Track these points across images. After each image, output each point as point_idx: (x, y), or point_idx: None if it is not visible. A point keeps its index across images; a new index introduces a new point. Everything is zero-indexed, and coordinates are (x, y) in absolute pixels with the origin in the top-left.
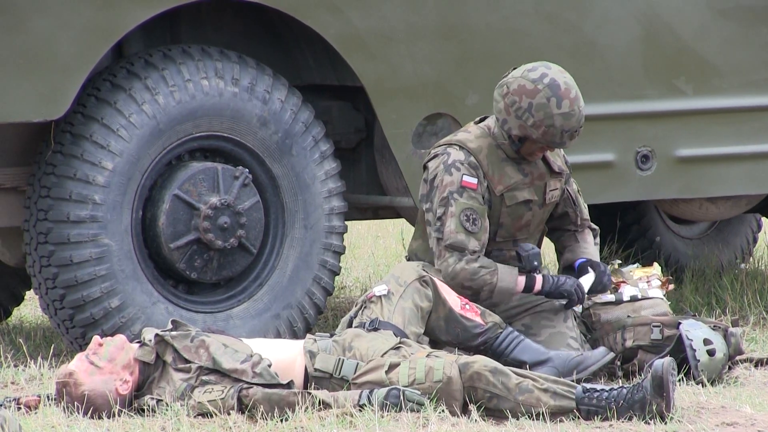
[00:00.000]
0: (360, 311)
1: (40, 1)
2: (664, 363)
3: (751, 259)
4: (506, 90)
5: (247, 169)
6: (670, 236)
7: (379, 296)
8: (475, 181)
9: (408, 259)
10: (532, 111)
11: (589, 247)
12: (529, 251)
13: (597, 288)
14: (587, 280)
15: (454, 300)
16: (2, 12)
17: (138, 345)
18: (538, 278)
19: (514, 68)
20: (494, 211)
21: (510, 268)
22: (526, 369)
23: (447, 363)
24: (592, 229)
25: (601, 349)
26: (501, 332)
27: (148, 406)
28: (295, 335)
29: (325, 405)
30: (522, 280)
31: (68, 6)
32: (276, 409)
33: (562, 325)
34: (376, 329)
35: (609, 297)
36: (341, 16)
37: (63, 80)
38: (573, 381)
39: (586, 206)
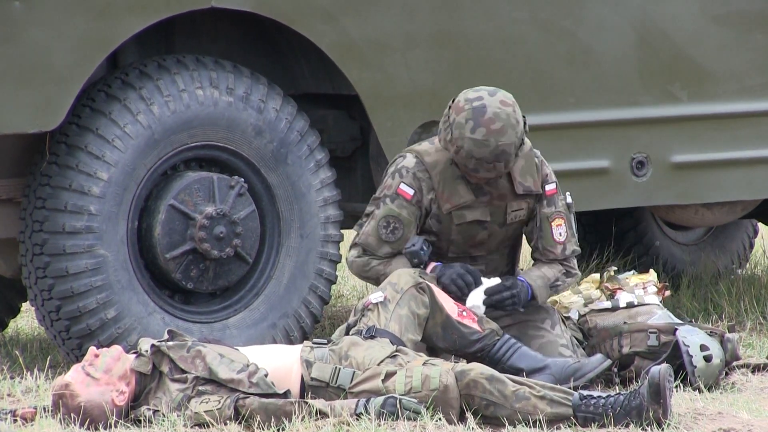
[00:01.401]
0: (358, 321)
1: (35, 12)
2: (660, 369)
3: (747, 264)
4: (451, 101)
5: (242, 179)
6: (666, 242)
7: (376, 303)
8: (411, 192)
9: None
10: (452, 128)
11: (533, 272)
12: (408, 248)
13: (493, 298)
14: (489, 282)
15: (451, 307)
16: None
17: (134, 355)
18: (430, 266)
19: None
20: (444, 228)
21: (401, 261)
22: (523, 376)
23: (444, 371)
24: (564, 270)
25: (598, 356)
26: (498, 339)
27: (145, 416)
28: (291, 343)
29: (322, 414)
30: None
31: (63, 17)
32: (273, 419)
33: (551, 333)
34: (372, 337)
35: (606, 304)
36: (336, 24)
37: (58, 91)
38: (570, 388)
39: (570, 243)
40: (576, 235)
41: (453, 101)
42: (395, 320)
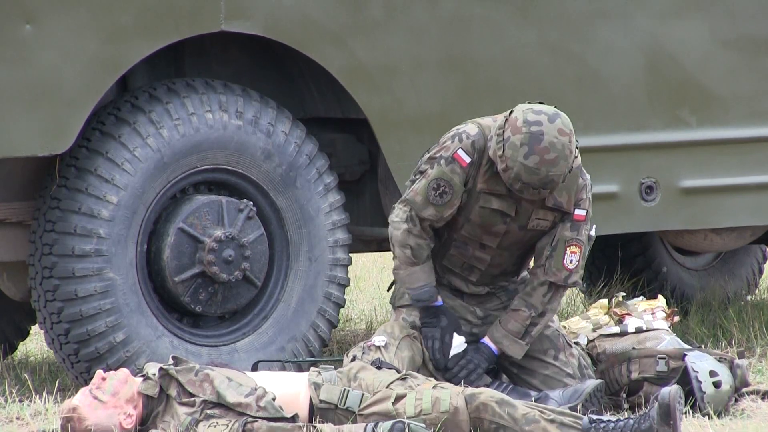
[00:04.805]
0: (361, 356)
1: (46, 35)
2: (671, 391)
3: (756, 290)
4: (508, 114)
5: (251, 202)
6: (675, 268)
7: (378, 346)
8: (468, 159)
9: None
10: (505, 145)
11: (497, 331)
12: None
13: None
14: (458, 341)
15: None
16: (7, 46)
17: (141, 379)
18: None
19: (541, 102)
20: (468, 204)
21: (419, 275)
22: (531, 401)
23: (453, 393)
24: (540, 311)
25: (591, 379)
26: (489, 383)
27: None
28: (299, 368)
29: None
30: (415, 291)
31: (73, 40)
32: None
33: (553, 366)
34: (379, 368)
35: (614, 329)
36: (345, 49)
37: (68, 114)
38: (576, 410)
39: (576, 274)
40: (583, 267)
41: (510, 114)
42: (398, 360)
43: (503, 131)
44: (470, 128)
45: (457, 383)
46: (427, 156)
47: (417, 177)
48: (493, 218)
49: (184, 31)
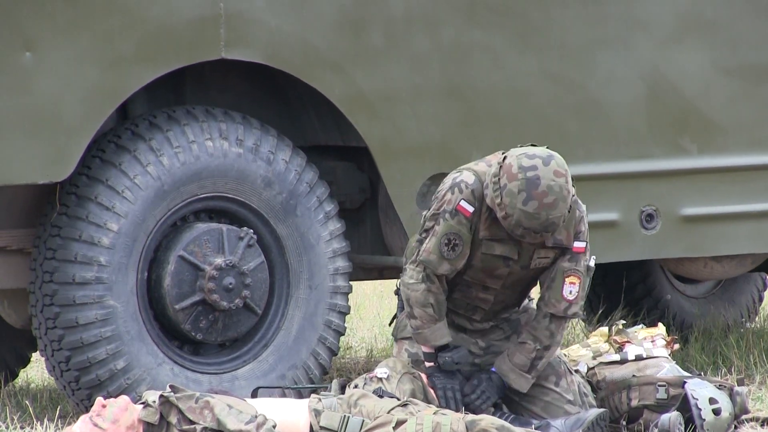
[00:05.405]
0: (363, 386)
1: (46, 62)
2: (671, 418)
3: (756, 317)
4: (503, 159)
5: (251, 230)
6: (675, 295)
7: (380, 378)
8: (471, 209)
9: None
10: (503, 193)
11: (504, 364)
12: (454, 359)
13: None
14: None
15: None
16: (7, 73)
17: (141, 406)
18: (429, 363)
19: (533, 144)
20: (471, 251)
21: (443, 331)
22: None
23: (454, 419)
24: (544, 345)
25: (595, 408)
26: (492, 412)
27: None
28: (300, 395)
29: None
30: (432, 348)
31: (73, 68)
32: None
33: (554, 392)
34: (381, 396)
35: (614, 356)
36: (346, 76)
37: (68, 142)
38: None
39: (576, 305)
40: (584, 298)
41: (504, 160)
42: (399, 392)
43: (499, 179)
44: (467, 176)
45: (468, 407)
46: (429, 213)
47: (423, 236)
48: (496, 262)
49: (185, 58)
